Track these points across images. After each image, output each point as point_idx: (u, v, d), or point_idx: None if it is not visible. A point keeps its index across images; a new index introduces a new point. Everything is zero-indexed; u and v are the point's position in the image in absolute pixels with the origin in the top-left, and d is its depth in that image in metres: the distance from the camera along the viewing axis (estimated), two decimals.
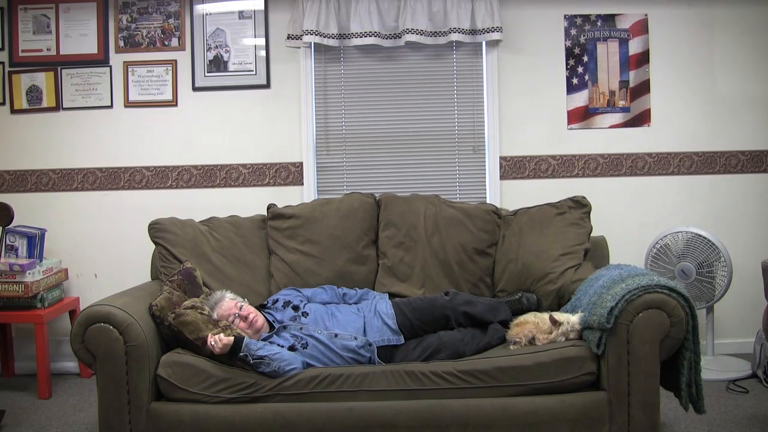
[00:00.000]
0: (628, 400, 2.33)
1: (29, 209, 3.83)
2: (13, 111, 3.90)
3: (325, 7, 3.71)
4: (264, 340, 2.54)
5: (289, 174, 3.86)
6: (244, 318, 2.62)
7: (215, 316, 2.61)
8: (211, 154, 3.90)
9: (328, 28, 3.72)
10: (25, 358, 3.83)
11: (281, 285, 3.03)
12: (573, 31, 3.87)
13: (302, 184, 3.87)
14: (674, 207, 3.89)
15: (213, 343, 2.37)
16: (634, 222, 3.87)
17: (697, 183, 3.91)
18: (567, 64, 3.88)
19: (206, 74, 3.85)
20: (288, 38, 3.77)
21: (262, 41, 3.86)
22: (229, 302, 2.68)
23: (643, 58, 3.88)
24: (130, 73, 3.88)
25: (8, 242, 3.65)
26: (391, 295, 2.92)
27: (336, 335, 2.55)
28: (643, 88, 3.89)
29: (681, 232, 3.57)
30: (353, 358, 2.51)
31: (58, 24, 3.87)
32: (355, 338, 2.55)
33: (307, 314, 2.67)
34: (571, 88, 3.85)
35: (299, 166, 3.86)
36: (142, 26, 3.88)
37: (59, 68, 3.88)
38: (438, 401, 2.36)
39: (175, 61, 3.88)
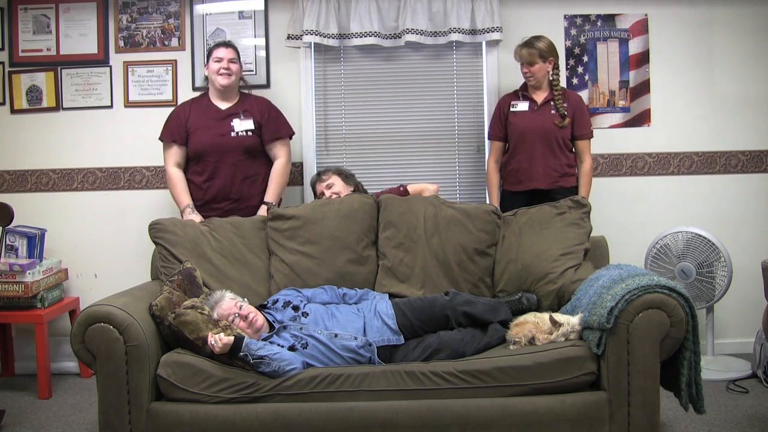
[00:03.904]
0: (628, 400, 2.33)
1: (29, 209, 3.83)
2: (13, 111, 3.90)
3: (325, 7, 3.72)
4: (264, 340, 2.54)
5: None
6: (244, 317, 2.61)
7: (215, 315, 2.61)
8: None
9: (328, 28, 3.72)
10: (25, 358, 3.84)
11: (281, 286, 3.03)
12: (573, 31, 3.87)
13: (302, 184, 3.87)
14: (674, 207, 3.90)
15: (213, 342, 2.37)
16: (634, 222, 3.88)
17: (697, 183, 3.92)
18: (567, 64, 3.88)
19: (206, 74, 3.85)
20: (288, 38, 3.78)
21: (262, 41, 3.87)
22: (229, 302, 2.68)
23: (643, 58, 3.88)
24: (130, 73, 3.88)
25: (8, 242, 3.65)
26: (391, 296, 2.92)
27: (336, 335, 2.55)
28: (643, 88, 3.89)
29: (681, 232, 3.57)
30: (353, 358, 2.51)
31: (58, 24, 3.87)
32: (355, 338, 2.55)
33: (307, 314, 2.67)
34: (571, 88, 3.84)
35: (299, 167, 3.86)
36: (142, 26, 3.88)
37: (59, 68, 3.88)
38: (438, 401, 2.36)
39: (175, 61, 3.88)
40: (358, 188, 3.44)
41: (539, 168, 3.41)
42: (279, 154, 3.46)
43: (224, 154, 3.34)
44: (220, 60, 3.37)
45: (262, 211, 3.37)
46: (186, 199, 3.36)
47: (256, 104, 3.48)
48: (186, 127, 3.38)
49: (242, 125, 3.37)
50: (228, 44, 3.47)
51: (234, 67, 3.40)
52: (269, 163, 3.49)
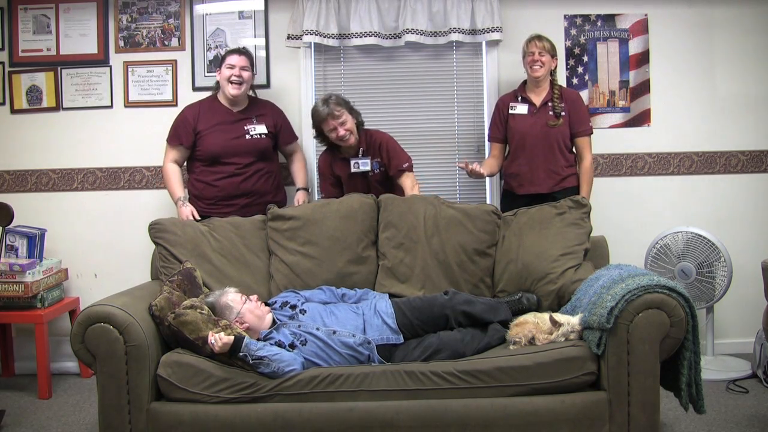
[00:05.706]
0: (628, 400, 2.34)
1: (29, 209, 3.83)
2: (13, 111, 3.90)
3: (325, 7, 3.72)
4: (264, 336, 2.55)
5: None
6: (251, 300, 2.67)
7: (221, 302, 2.64)
8: None
9: (328, 28, 3.72)
10: (25, 358, 3.83)
11: (281, 286, 3.04)
12: (573, 31, 3.87)
13: None
14: (674, 207, 3.89)
15: (213, 341, 2.38)
16: (634, 222, 3.88)
17: (697, 183, 3.91)
18: (567, 64, 3.88)
19: (206, 74, 3.85)
20: (288, 38, 3.78)
21: (262, 41, 3.86)
22: (234, 293, 2.71)
23: (643, 58, 3.88)
24: (130, 73, 3.88)
25: (8, 242, 3.65)
26: (391, 296, 2.92)
27: (334, 332, 2.56)
28: (643, 88, 3.89)
29: (681, 232, 3.57)
30: (352, 355, 2.52)
31: (58, 24, 3.87)
32: (353, 335, 2.55)
33: (305, 312, 2.68)
34: (571, 88, 3.84)
35: None
36: (142, 26, 3.88)
37: (59, 68, 3.88)
38: (438, 401, 2.36)
39: (175, 61, 3.88)
40: (358, 119, 3.41)
41: (541, 172, 3.41)
42: (296, 149, 3.71)
43: (239, 156, 3.39)
44: (232, 67, 3.37)
45: (300, 196, 3.58)
46: (180, 191, 3.41)
47: (270, 111, 3.55)
48: (195, 130, 3.39)
49: (257, 129, 3.44)
50: (242, 51, 3.46)
51: (246, 75, 3.41)
52: (278, 161, 3.63)
